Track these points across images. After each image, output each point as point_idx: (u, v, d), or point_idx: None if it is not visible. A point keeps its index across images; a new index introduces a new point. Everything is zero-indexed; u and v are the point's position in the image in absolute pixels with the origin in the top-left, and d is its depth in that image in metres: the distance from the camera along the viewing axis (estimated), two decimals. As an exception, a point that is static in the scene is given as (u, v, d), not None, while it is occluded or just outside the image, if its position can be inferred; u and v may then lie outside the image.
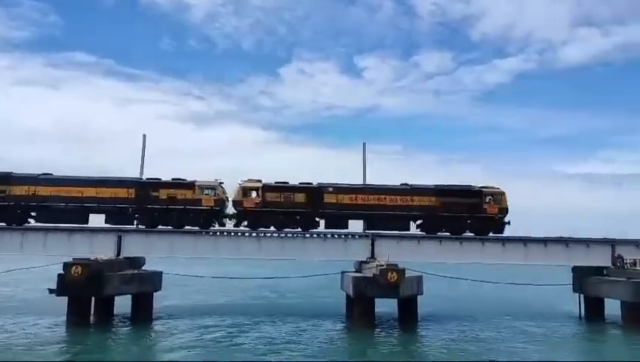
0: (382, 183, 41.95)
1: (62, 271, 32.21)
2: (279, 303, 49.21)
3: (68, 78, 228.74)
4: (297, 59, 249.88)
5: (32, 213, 39.52)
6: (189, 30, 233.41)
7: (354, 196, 40.41)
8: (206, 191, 39.63)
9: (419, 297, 36.27)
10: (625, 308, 36.08)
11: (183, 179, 40.30)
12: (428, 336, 32.12)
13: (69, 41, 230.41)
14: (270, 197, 39.81)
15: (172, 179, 40.32)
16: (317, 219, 40.52)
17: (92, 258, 33.96)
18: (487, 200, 40.76)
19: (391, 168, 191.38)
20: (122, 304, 36.50)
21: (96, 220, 39.73)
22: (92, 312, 34.02)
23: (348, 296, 37.58)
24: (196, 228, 39.47)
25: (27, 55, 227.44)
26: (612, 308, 38.38)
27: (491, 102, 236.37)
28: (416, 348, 29.30)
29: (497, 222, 40.69)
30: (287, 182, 40.87)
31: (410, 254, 38.84)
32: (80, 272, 31.66)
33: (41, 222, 39.06)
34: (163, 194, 39.37)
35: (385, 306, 36.45)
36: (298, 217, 39.90)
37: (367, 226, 40.68)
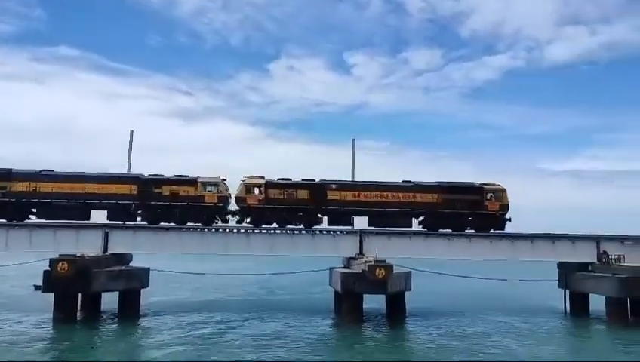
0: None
1: (48, 268, 31.93)
2: (268, 299, 49.19)
3: (53, 72, 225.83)
4: (286, 56, 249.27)
5: (33, 210, 39.21)
6: (177, 25, 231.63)
7: (357, 193, 40.61)
8: (209, 188, 39.58)
9: (407, 293, 36.51)
10: (609, 303, 36.50)
11: (186, 176, 40.20)
12: (415, 332, 32.31)
13: (53, 35, 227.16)
14: (273, 194, 39.85)
15: (175, 176, 40.23)
16: (320, 215, 40.65)
17: (78, 254, 33.75)
18: (488, 197, 41.15)
19: (379, 164, 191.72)
20: (109, 300, 36.28)
21: (99, 217, 39.75)
22: (79, 309, 33.83)
23: (336, 292, 37.73)
24: (183, 225, 39.29)
25: (14, 50, 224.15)
26: (597, 303, 38.85)
27: (480, 99, 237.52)
28: (404, 344, 29.49)
29: (498, 219, 41.17)
30: (290, 179, 40.91)
31: (399, 250, 39.07)
32: (66, 269, 31.46)
33: (42, 219, 38.80)
34: (166, 190, 39.28)
35: (373, 302, 36.60)
36: (301, 214, 40.01)
37: (369, 223, 40.81)
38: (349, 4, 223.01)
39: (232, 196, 40.51)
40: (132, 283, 36.36)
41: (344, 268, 38.60)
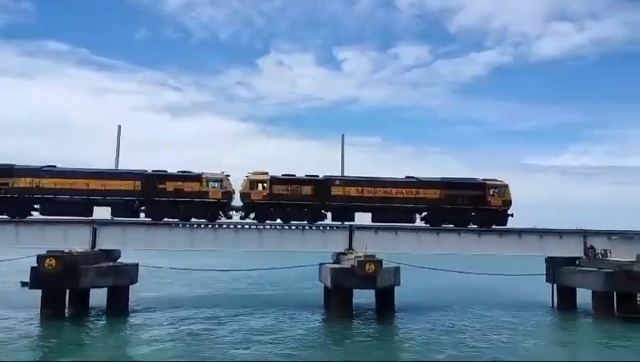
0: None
1: (35, 264, 31.66)
2: (257, 295, 49.18)
3: (41, 67, 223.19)
4: (276, 51, 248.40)
5: (36, 206, 38.85)
6: (165, 20, 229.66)
7: (360, 188, 40.64)
8: (213, 184, 39.41)
9: (396, 288, 36.65)
10: (596, 297, 36.91)
11: (190, 172, 40.01)
12: (404, 327, 32.50)
13: (40, 29, 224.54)
14: (277, 190, 39.79)
15: (178, 172, 40.02)
16: (324, 211, 40.65)
17: (66, 250, 33.48)
18: (491, 193, 41.40)
19: (369, 160, 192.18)
20: (98, 297, 36.07)
21: (103, 213, 39.58)
22: (66, 305, 33.55)
23: (326, 287, 37.79)
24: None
25: (2, 44, 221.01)
26: (584, 297, 39.27)
27: (469, 94, 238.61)
28: (393, 339, 29.66)
29: (501, 215, 41.43)
30: (294, 175, 40.91)
31: (388, 245, 39.23)
32: (54, 265, 31.16)
33: (45, 215, 38.46)
34: (170, 186, 39.05)
35: (362, 297, 36.73)
36: (305, 209, 39.97)
37: (372, 218, 40.89)
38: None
39: (236, 192, 40.39)
40: (121, 279, 36.12)
41: (334, 263, 38.71)
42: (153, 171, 39.90)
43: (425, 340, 28.48)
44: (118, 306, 35.30)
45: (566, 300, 40.57)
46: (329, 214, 40.83)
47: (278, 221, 39.89)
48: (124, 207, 38.71)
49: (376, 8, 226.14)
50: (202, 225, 39.36)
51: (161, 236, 38.75)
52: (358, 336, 29.33)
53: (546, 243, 40.99)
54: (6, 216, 38.01)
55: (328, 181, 40.77)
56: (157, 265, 42.51)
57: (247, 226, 39.56)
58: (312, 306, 39.37)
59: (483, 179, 42.34)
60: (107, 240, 38.01)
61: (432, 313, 37.71)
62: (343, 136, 45.82)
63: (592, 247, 40.26)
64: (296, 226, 39.81)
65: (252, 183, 39.90)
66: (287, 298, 46.78)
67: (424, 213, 41.52)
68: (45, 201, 38.36)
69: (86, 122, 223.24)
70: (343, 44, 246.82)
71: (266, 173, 40.34)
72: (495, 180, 42.34)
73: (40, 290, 32.31)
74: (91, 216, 38.88)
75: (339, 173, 43.43)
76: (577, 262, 40.40)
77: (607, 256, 39.27)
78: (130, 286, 37.49)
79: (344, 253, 37.86)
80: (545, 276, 42.78)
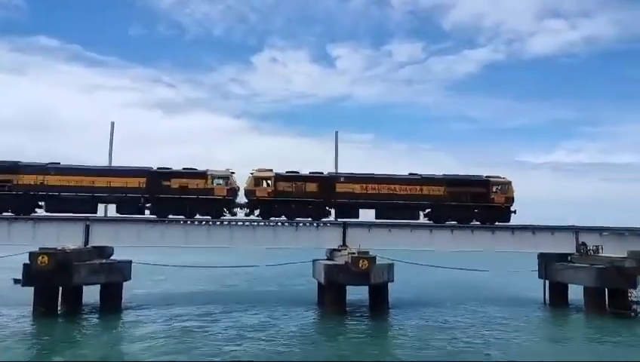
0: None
1: (28, 261, 31.52)
2: (251, 291, 49.20)
3: (33, 63, 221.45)
4: (269, 47, 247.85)
5: (40, 203, 38.72)
6: (158, 16, 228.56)
7: (365, 185, 40.73)
8: (218, 181, 39.46)
9: (389, 284, 36.74)
10: (587, 293, 37.23)
11: (195, 169, 40.02)
12: (398, 323, 32.61)
13: (32, 24, 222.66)
14: (282, 187, 39.87)
15: (183, 169, 40.01)
16: (328, 208, 40.73)
17: (59, 247, 33.32)
18: (494, 190, 41.68)
19: (362, 157, 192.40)
20: (91, 294, 35.93)
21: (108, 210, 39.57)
22: (59, 302, 33.42)
23: (319, 284, 37.88)
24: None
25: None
26: (576, 293, 39.54)
27: (462, 91, 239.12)
28: (387, 335, 29.77)
29: (504, 211, 41.68)
30: (299, 172, 40.95)
31: (382, 242, 39.31)
32: (46, 262, 31.06)
33: (50, 212, 38.36)
34: (175, 183, 39.07)
35: (356, 293, 36.81)
36: (310, 206, 40.02)
37: (376, 215, 41.02)
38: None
39: (241, 189, 40.37)
40: (114, 276, 36.04)
41: (327, 259, 38.75)
42: (158, 168, 39.97)
43: (418, 336, 28.60)
44: (111, 303, 35.23)
45: (558, 296, 40.82)
46: (333, 211, 40.93)
47: (273, 218, 39.83)
48: (130, 204, 38.70)
49: (370, 5, 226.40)
50: (196, 222, 39.31)
51: (155, 233, 38.64)
52: (352, 332, 29.40)
53: (538, 239, 41.21)
54: (10, 213, 37.87)
55: (333, 178, 40.93)
56: (150, 262, 42.39)
57: (240, 223, 39.55)
58: (306, 302, 39.41)
59: (486, 176, 42.63)
60: (100, 237, 37.84)
61: (425, 309, 37.86)
62: (336, 133, 45.94)
63: (583, 244, 40.54)
64: (290, 223, 39.83)
65: (257, 180, 39.95)
66: (280, 294, 46.81)
67: (428, 210, 41.71)
68: (50, 198, 38.29)
69: (76, 119, 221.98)
70: (337, 41, 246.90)
71: (271, 170, 40.38)
72: (498, 177, 42.63)
73: (32, 287, 32.19)
74: (96, 213, 38.92)
75: (333, 170, 43.44)
76: (569, 258, 40.67)
77: (598, 253, 39.56)
78: (124, 284, 37.41)
79: (338, 250, 37.92)
80: (537, 272, 43.05)
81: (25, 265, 31.80)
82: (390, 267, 36.43)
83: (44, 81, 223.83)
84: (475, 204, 41.42)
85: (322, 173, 41.27)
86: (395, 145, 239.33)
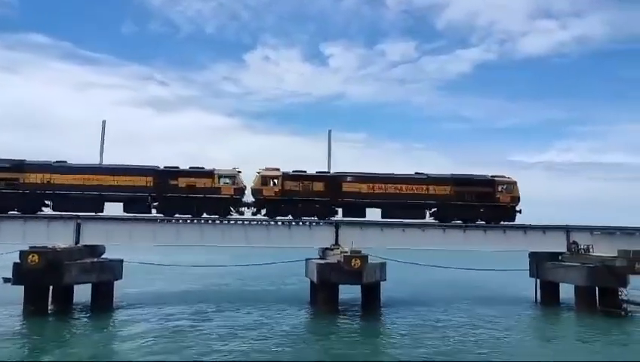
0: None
1: (18, 260, 31.26)
2: (243, 290, 49.09)
3: (24, 60, 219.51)
4: (262, 46, 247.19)
5: (47, 202, 38.51)
6: (151, 13, 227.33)
7: (372, 185, 40.81)
8: (225, 180, 39.43)
9: (382, 283, 36.78)
10: (578, 292, 37.45)
11: (202, 168, 39.95)
12: (390, 322, 32.69)
13: (23, 21, 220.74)
14: (289, 186, 39.88)
15: (190, 168, 39.90)
16: (335, 207, 40.74)
17: (50, 246, 33.09)
18: (500, 190, 41.90)
19: (355, 156, 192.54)
20: (82, 293, 35.71)
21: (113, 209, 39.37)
22: (50, 302, 33.23)
23: (312, 283, 37.88)
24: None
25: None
26: (567, 292, 39.75)
27: (454, 91, 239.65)
28: (379, 334, 29.80)
29: (510, 211, 41.91)
30: (306, 171, 40.94)
31: (374, 241, 39.35)
32: (37, 261, 30.84)
33: (56, 211, 38.20)
34: (182, 182, 39.00)
35: (348, 292, 36.83)
36: (317, 206, 40.03)
37: (382, 215, 41.08)
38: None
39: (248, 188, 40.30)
40: (105, 275, 35.89)
41: (320, 258, 38.74)
42: (165, 167, 39.90)
43: (410, 335, 28.67)
44: (103, 302, 35.09)
45: (549, 295, 41.03)
46: (340, 210, 40.98)
47: (266, 217, 39.75)
48: (137, 203, 38.58)
49: (363, 4, 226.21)
50: (188, 221, 39.19)
51: (147, 232, 38.48)
52: (344, 331, 29.41)
53: (529, 238, 41.41)
54: (16, 212, 37.61)
55: (340, 177, 40.98)
56: (142, 261, 42.17)
57: (232, 222, 39.48)
58: (299, 301, 39.40)
59: (492, 176, 42.90)
60: (91, 236, 37.62)
61: (417, 308, 37.95)
62: (329, 131, 45.68)
63: (574, 243, 40.77)
64: (282, 222, 39.81)
65: (264, 179, 39.93)
66: (273, 293, 46.77)
67: (434, 210, 41.83)
68: (56, 197, 38.11)
69: (70, 116, 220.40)
70: (330, 39, 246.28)
71: (278, 170, 40.38)
72: (504, 177, 42.90)
73: (23, 286, 31.98)
74: (102, 211, 38.75)
75: (325, 169, 43.35)
76: (560, 257, 40.89)
77: (589, 252, 39.81)
78: (115, 282, 37.25)
79: (330, 249, 37.93)
80: (528, 271, 43.25)
81: (15, 263, 31.54)
82: (382, 266, 36.44)
83: (37, 78, 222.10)
84: (481, 203, 41.66)
85: (329, 172, 41.32)
86: (388, 145, 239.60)
